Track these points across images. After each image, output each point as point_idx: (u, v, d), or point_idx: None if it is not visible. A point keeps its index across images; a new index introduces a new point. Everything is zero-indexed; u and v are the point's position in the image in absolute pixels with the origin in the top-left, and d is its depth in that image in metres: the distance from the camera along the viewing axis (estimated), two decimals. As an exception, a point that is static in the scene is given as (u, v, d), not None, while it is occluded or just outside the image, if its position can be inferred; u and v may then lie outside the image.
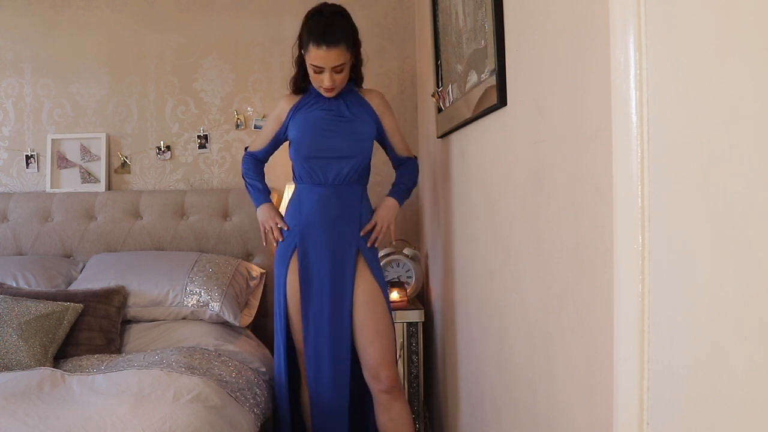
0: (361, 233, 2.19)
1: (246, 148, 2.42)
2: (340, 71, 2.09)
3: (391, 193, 2.29)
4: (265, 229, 2.28)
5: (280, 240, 2.23)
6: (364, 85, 2.30)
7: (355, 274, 2.17)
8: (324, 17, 2.06)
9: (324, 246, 2.17)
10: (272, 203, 2.32)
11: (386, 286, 2.27)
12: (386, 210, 2.23)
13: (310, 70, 2.11)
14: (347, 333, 2.17)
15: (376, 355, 2.15)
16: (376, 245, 2.22)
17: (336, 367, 2.19)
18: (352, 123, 2.18)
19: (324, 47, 2.03)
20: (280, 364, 2.30)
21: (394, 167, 2.37)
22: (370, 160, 2.26)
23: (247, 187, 2.37)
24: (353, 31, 2.12)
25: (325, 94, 2.16)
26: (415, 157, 2.37)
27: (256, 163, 2.36)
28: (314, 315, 2.18)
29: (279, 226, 2.24)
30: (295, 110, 2.22)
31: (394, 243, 2.26)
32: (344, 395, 2.20)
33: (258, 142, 2.37)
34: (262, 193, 2.33)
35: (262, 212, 2.29)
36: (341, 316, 2.16)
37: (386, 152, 2.34)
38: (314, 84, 2.15)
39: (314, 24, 2.06)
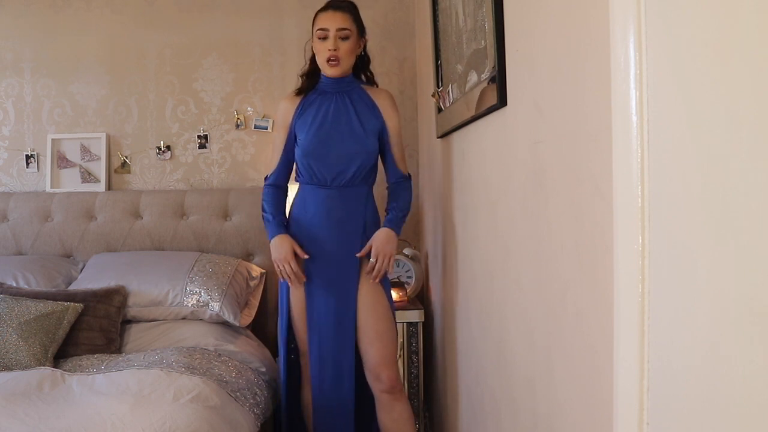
0: (358, 255, 2.14)
1: (266, 179, 2.29)
2: (345, 38, 2.12)
3: (387, 224, 2.19)
4: (278, 267, 2.16)
5: (301, 281, 2.14)
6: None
7: (359, 275, 2.17)
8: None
9: (328, 248, 2.16)
10: (285, 235, 2.17)
11: (390, 287, 2.26)
12: (384, 244, 2.14)
13: (316, 44, 2.14)
14: (351, 334, 2.17)
15: (377, 356, 2.15)
16: (376, 281, 2.14)
17: (340, 368, 2.19)
18: (356, 121, 2.16)
19: (330, 10, 2.14)
20: (281, 363, 2.30)
21: (388, 183, 2.28)
22: (377, 160, 2.24)
23: (263, 222, 2.26)
24: (361, 20, 2.20)
25: (329, 71, 2.14)
26: (410, 175, 2.30)
27: (273, 192, 2.25)
28: (319, 317, 2.18)
29: (295, 271, 2.12)
30: (300, 110, 2.20)
31: (389, 273, 2.18)
32: (348, 396, 2.20)
33: (273, 160, 2.28)
34: (274, 224, 2.19)
35: (274, 247, 2.16)
36: (345, 318, 2.16)
37: (382, 158, 2.26)
38: (320, 60, 2.15)
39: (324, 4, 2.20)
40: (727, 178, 0.59)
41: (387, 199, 2.28)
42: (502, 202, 1.45)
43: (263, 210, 2.25)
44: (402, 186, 2.27)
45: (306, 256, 2.14)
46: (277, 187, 2.26)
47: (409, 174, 2.30)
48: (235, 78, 3.28)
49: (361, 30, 2.19)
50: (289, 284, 2.17)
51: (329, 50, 2.10)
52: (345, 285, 2.16)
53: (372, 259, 2.14)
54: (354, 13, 2.17)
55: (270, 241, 2.19)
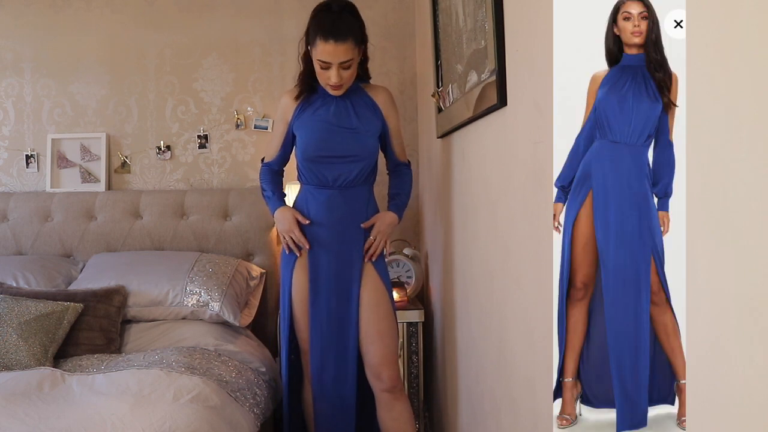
0: (363, 225, 2.17)
1: (262, 160, 2.36)
2: (348, 67, 2.05)
3: (392, 207, 2.25)
4: (284, 239, 2.21)
5: (307, 248, 2.17)
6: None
7: (361, 274, 2.17)
8: (332, 12, 2.03)
9: (331, 246, 2.17)
10: (286, 206, 2.25)
11: (391, 286, 2.27)
12: (387, 226, 2.20)
13: (316, 66, 2.07)
14: (353, 333, 2.17)
15: (378, 355, 2.16)
16: (372, 260, 2.18)
17: (341, 368, 2.19)
18: (358, 124, 2.15)
19: (332, 41, 1.99)
20: (283, 362, 2.30)
21: (389, 171, 2.33)
22: (377, 159, 2.24)
23: (264, 199, 2.35)
24: (361, 26, 2.10)
25: (332, 92, 2.11)
26: (409, 162, 2.34)
27: (270, 173, 2.31)
28: (321, 315, 2.18)
29: (298, 238, 2.16)
30: (300, 110, 2.19)
31: (386, 254, 2.24)
32: (350, 395, 2.20)
33: (271, 149, 2.32)
34: (274, 199, 2.27)
35: (278, 220, 2.23)
36: (347, 317, 2.17)
37: (384, 152, 2.29)
38: (321, 81, 2.11)
39: (322, 18, 2.04)
40: (727, 178, 0.59)
41: (389, 183, 2.32)
42: (502, 202, 1.45)
43: (262, 189, 2.33)
44: (404, 173, 2.31)
45: (307, 221, 2.17)
46: (272, 169, 2.33)
47: (408, 161, 2.34)
48: (235, 78, 3.28)
49: (363, 44, 2.11)
50: (297, 254, 2.19)
51: (331, 84, 2.06)
52: (347, 284, 2.16)
53: (371, 237, 2.18)
54: (355, 34, 2.04)
55: (273, 215, 2.26)
